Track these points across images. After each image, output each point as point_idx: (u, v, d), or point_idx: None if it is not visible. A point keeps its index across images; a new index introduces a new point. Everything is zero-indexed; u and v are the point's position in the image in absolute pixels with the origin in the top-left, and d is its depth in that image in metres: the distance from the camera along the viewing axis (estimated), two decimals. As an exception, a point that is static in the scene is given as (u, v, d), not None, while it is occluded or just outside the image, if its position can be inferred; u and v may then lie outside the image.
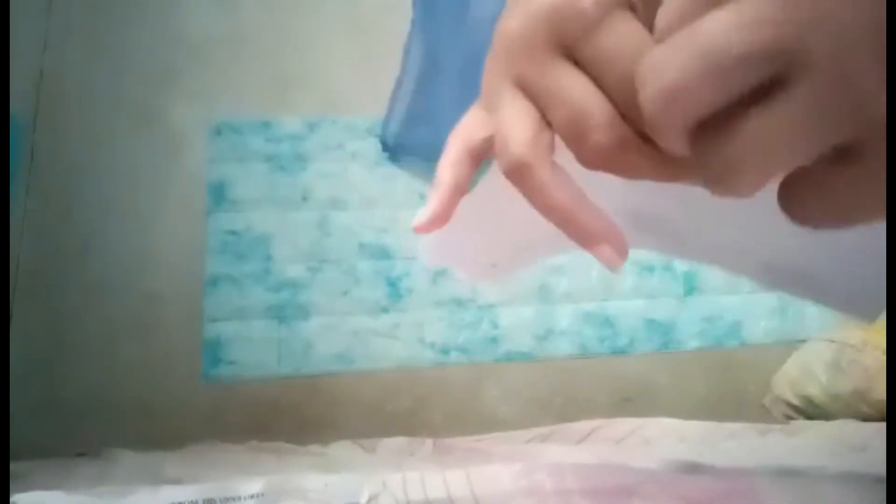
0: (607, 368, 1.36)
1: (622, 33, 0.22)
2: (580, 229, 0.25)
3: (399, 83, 1.39)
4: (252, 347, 1.30)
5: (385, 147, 1.40)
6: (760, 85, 0.17)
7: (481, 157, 0.28)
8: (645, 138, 0.22)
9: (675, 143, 0.19)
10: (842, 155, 0.17)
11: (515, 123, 0.24)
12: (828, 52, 0.16)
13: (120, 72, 1.38)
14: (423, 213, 0.28)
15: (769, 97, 0.17)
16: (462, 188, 0.28)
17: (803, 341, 1.26)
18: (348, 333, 1.33)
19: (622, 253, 0.25)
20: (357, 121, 1.43)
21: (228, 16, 1.45)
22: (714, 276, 1.43)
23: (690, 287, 1.42)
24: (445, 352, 1.34)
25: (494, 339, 1.35)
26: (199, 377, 1.27)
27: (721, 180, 0.18)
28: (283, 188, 1.38)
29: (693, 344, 1.40)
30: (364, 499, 0.48)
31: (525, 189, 0.24)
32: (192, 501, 0.47)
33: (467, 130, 0.28)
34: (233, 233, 1.34)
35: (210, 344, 1.29)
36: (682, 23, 0.18)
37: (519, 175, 0.24)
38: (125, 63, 1.39)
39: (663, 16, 0.19)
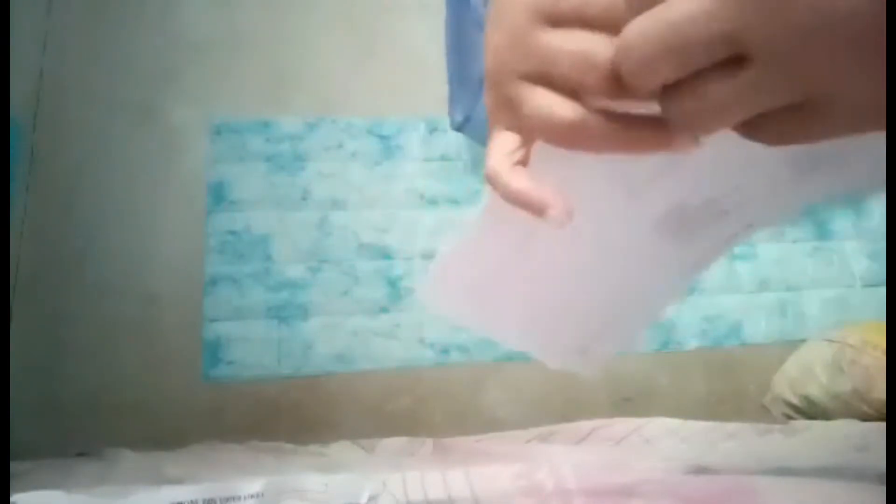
0: (607, 368, 1.36)
1: None
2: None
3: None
4: (252, 347, 1.30)
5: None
6: (723, 59, 0.20)
7: (524, 161, 0.32)
8: None
9: (644, 98, 0.23)
10: (792, 106, 0.21)
11: (549, 98, 0.27)
12: (769, 45, 0.19)
13: (120, 72, 1.38)
14: (553, 212, 0.29)
15: (728, 68, 0.20)
16: (537, 183, 0.31)
17: (803, 341, 1.26)
18: (348, 333, 1.33)
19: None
20: (356, 121, 1.43)
21: (228, 16, 1.45)
22: (714, 276, 1.43)
23: (690, 287, 1.42)
24: (445, 352, 1.34)
25: (494, 339, 1.35)
26: (199, 377, 1.27)
27: (681, 129, 0.23)
28: (283, 188, 1.38)
29: (693, 344, 1.40)
30: (364, 499, 0.48)
31: (584, 144, 0.27)
32: (192, 501, 0.47)
33: (499, 151, 0.31)
34: (233, 233, 1.34)
35: (210, 344, 1.29)
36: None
37: (575, 135, 0.27)
38: (125, 63, 1.39)
39: None
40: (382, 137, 1.43)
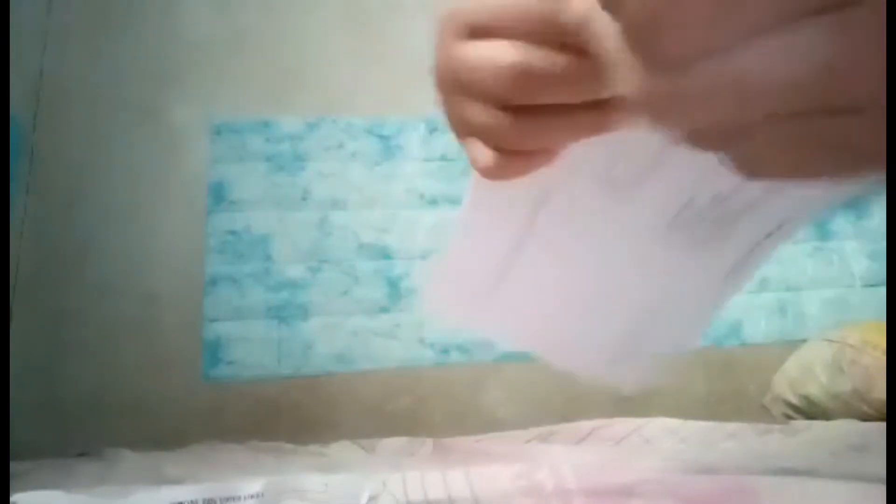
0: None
1: None
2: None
3: None
4: (252, 347, 1.30)
5: None
6: None
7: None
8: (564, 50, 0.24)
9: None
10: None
11: (476, 109, 0.28)
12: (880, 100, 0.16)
13: (120, 72, 1.38)
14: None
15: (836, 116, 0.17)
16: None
17: (803, 341, 1.26)
18: (348, 333, 1.33)
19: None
20: (357, 121, 1.43)
21: (228, 16, 1.45)
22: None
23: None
24: (445, 352, 1.34)
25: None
26: (199, 377, 1.27)
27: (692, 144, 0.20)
28: (283, 188, 1.38)
29: (693, 344, 1.40)
30: (364, 499, 0.48)
31: (521, 143, 0.28)
32: (192, 501, 0.47)
33: (476, 152, 0.31)
34: (233, 233, 1.34)
35: (210, 344, 1.29)
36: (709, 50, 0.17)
37: (507, 137, 0.28)
38: (125, 63, 1.39)
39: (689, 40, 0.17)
40: (382, 137, 1.43)
